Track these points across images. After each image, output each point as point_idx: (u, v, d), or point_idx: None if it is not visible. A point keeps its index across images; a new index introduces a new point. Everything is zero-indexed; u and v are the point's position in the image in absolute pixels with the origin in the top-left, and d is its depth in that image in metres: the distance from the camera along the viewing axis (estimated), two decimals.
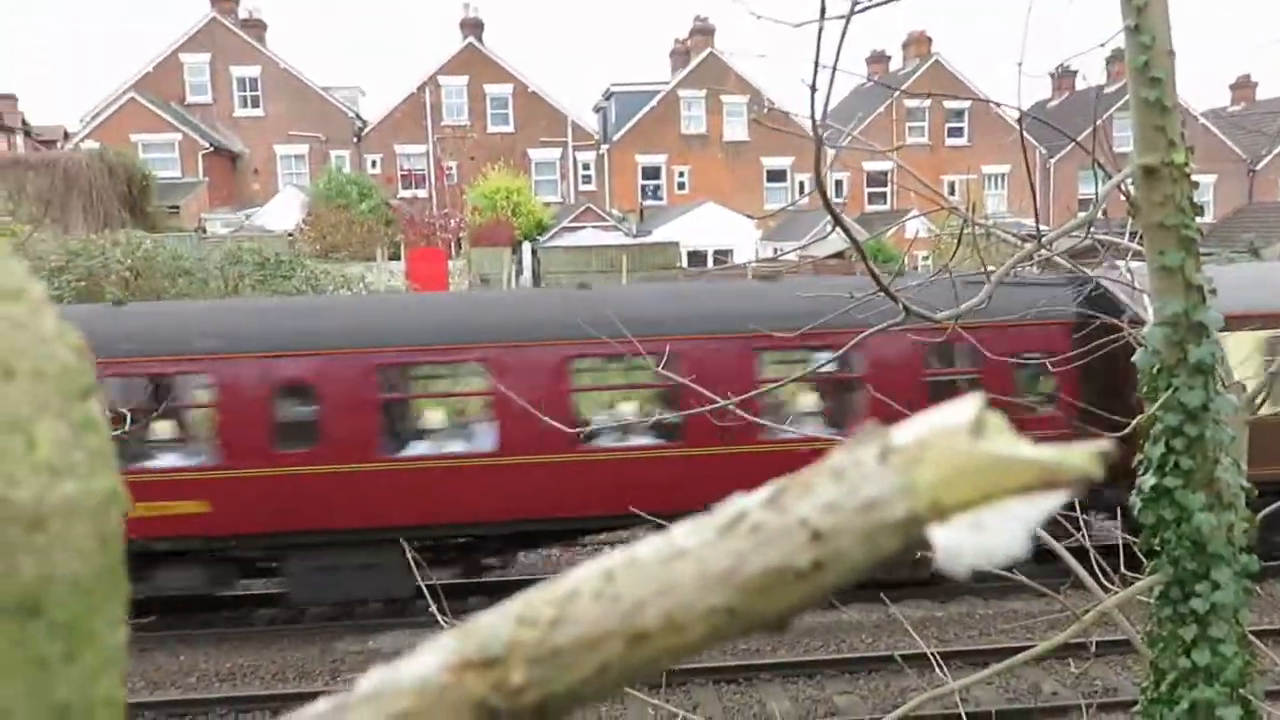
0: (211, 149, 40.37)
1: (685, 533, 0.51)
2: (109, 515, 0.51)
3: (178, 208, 35.55)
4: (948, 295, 3.79)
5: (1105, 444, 0.48)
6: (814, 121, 2.02)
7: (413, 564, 5.33)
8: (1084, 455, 0.47)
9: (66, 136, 44.04)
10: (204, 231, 32.44)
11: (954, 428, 0.47)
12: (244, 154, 42.70)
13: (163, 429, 10.95)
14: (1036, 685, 9.85)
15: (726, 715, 9.57)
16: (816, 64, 1.93)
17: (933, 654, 4.81)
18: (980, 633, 11.25)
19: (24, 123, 48.70)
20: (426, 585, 4.86)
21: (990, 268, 3.48)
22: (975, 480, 0.47)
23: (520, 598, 0.52)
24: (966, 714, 8.41)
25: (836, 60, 1.98)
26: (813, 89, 1.93)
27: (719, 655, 10.87)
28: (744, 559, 0.49)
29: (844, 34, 1.98)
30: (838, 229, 2.64)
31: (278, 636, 11.55)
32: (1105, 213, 3.86)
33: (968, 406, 0.48)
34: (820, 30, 1.96)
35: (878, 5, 2.79)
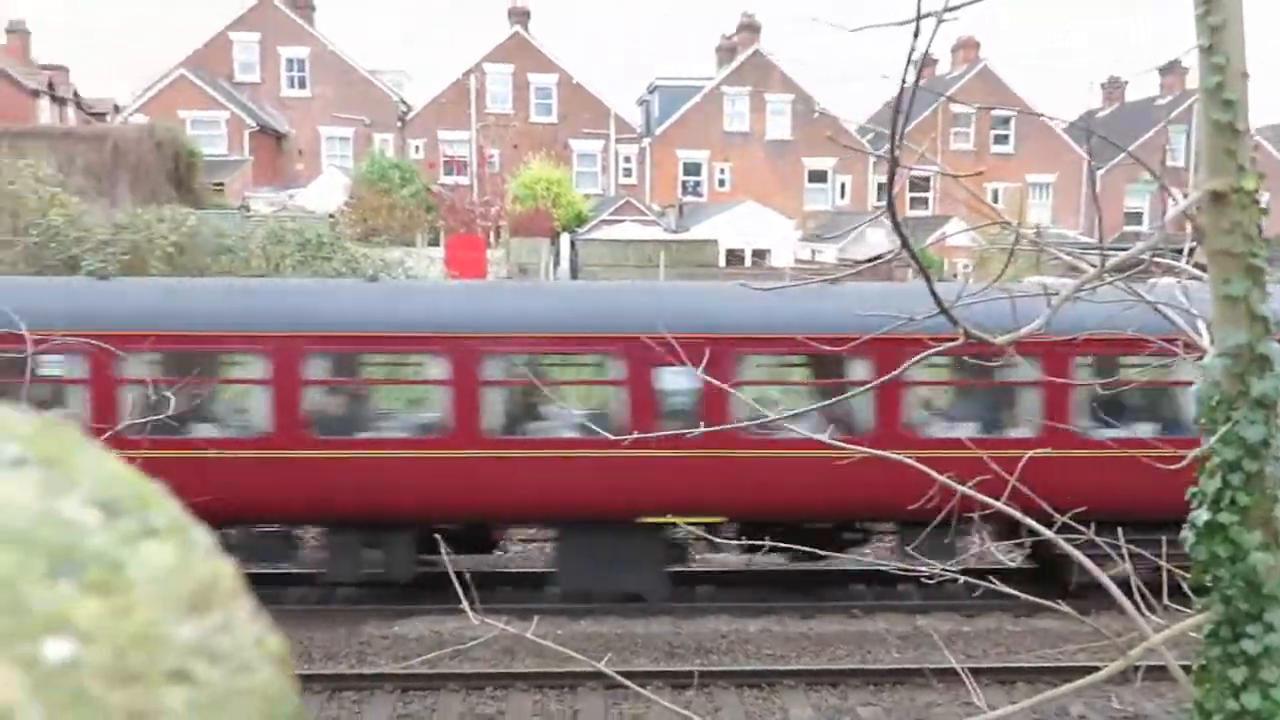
0: (258, 128, 40.75)
1: None
2: None
3: (222, 185, 35.92)
4: (995, 310, 3.71)
5: None
6: (893, 143, 1.96)
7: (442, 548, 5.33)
8: None
9: (117, 110, 44.65)
10: (247, 210, 32.73)
11: None
12: (289, 134, 43.08)
13: None
14: (1064, 707, 9.71)
15: (748, 719, 9.53)
16: (903, 84, 1.88)
17: (964, 670, 4.74)
18: (1008, 650, 11.11)
19: (75, 95, 49.39)
20: (456, 573, 4.84)
21: (1048, 285, 3.40)
22: None
23: None
24: None
25: (917, 79, 1.93)
26: (895, 110, 1.88)
27: (742, 658, 10.83)
28: None
29: (931, 40, 1.93)
30: (903, 251, 2.58)
31: (305, 617, 11.65)
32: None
33: None
34: (912, 51, 1.91)
35: (963, 5, 2.70)
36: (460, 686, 9.99)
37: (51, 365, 10.55)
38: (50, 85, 46.61)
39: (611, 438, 6.09)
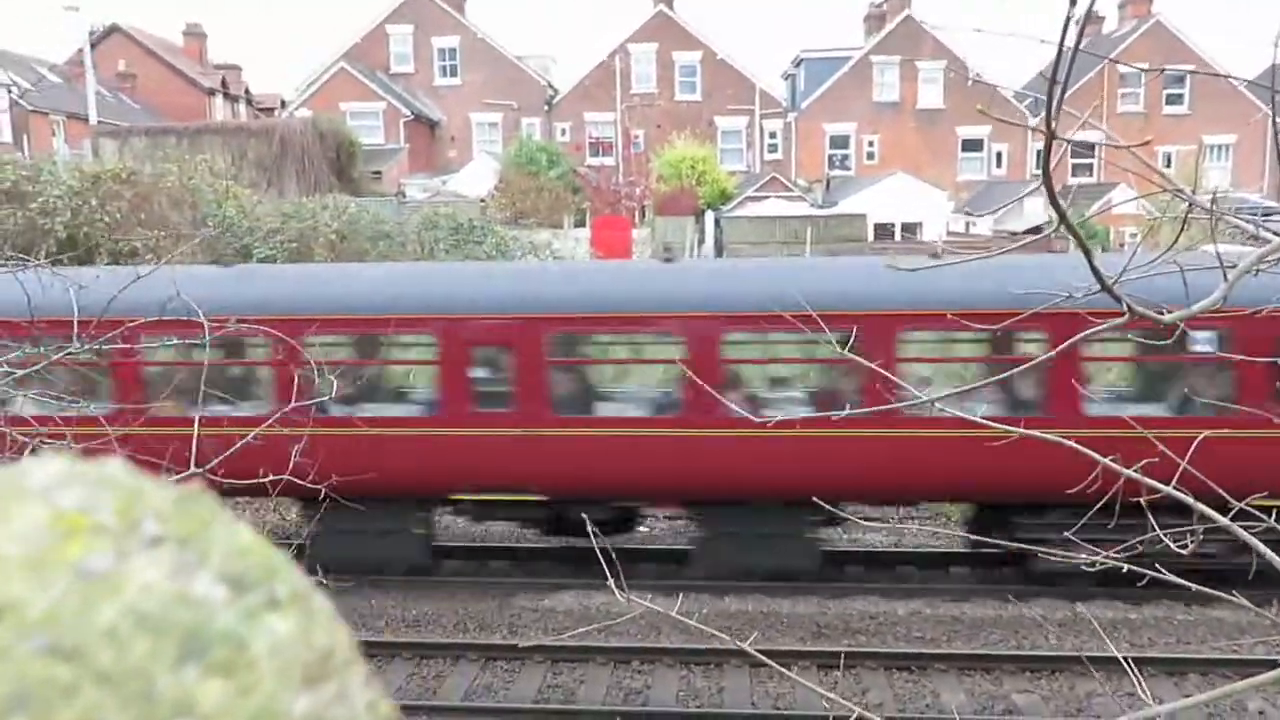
0: (412, 117, 42.18)
1: None
2: None
3: (380, 173, 37.38)
4: (1159, 283, 3.49)
5: None
6: (1048, 115, 1.85)
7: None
8: None
9: (283, 105, 47.03)
10: (403, 196, 33.98)
11: None
12: (442, 122, 44.43)
13: None
14: (1241, 703, 9.14)
15: (898, 702, 9.35)
16: (1060, 47, 1.77)
17: (1126, 660, 4.50)
18: (1178, 640, 10.53)
19: (246, 92, 52.31)
20: (600, 549, 4.91)
21: (1226, 255, 3.16)
22: None
23: None
24: None
25: (1078, 41, 1.81)
26: (1051, 81, 1.77)
27: (891, 640, 10.63)
28: None
29: (1089, 10, 1.81)
30: (1059, 219, 2.45)
31: (460, 588, 12.09)
32: None
33: None
34: (1071, 10, 1.79)
35: None
36: (607, 660, 10.17)
37: None
38: (223, 84, 49.53)
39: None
